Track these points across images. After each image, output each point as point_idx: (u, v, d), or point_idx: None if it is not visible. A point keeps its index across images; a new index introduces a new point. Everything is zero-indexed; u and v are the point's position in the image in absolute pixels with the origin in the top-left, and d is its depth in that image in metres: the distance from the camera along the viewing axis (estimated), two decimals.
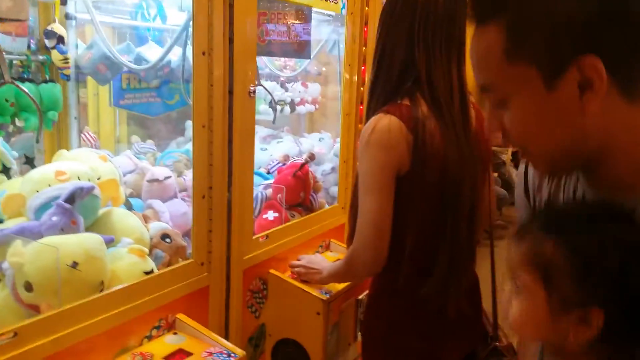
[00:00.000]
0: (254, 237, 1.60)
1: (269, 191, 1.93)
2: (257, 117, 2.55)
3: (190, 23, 1.38)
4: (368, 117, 1.24)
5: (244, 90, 1.45)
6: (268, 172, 2.20)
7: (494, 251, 1.46)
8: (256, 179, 2.14)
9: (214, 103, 1.37)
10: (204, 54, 1.34)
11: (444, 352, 1.32)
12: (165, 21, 1.98)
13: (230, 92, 1.42)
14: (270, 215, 1.80)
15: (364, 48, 2.07)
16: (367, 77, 1.28)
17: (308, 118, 3.00)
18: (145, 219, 1.57)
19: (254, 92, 1.49)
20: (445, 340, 1.31)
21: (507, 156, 5.33)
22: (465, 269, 1.28)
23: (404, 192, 1.19)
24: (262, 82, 2.43)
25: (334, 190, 2.28)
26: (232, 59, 1.40)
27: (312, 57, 2.24)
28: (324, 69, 2.86)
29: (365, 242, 1.21)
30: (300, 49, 1.98)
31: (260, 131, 2.68)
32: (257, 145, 2.48)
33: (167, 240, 1.49)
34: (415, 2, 1.20)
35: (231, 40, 1.39)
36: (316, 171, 2.34)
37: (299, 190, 1.90)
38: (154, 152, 2.25)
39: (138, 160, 1.98)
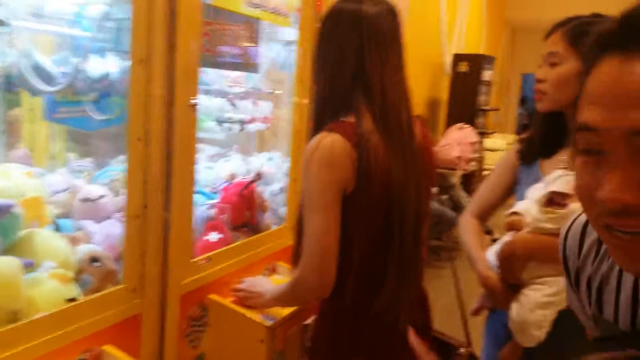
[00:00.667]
0: (193, 260, 1.50)
1: (213, 211, 1.83)
2: (203, 135, 2.47)
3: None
4: (316, 133, 1.20)
5: (185, 102, 1.36)
6: (213, 192, 2.10)
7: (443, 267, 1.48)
8: (200, 198, 2.04)
9: (152, 114, 1.27)
10: (141, 61, 1.25)
11: None
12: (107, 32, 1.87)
13: (171, 104, 1.33)
14: (213, 236, 1.70)
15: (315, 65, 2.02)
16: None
17: (258, 137, 2.92)
18: (74, 241, 1.45)
19: (196, 104, 1.41)
20: (397, 357, 1.26)
21: (457, 179, 5.41)
22: (414, 281, 1.27)
23: (350, 210, 1.16)
24: (211, 98, 2.35)
25: (283, 211, 2.20)
26: (174, 69, 1.32)
27: (260, 72, 2.18)
28: (274, 90, 2.81)
29: (312, 265, 1.16)
30: (249, 64, 1.92)
31: (207, 150, 2.59)
32: (204, 164, 2.39)
33: (96, 263, 1.37)
34: (359, 17, 1.20)
35: (172, 48, 1.31)
36: (265, 191, 2.26)
37: (244, 210, 1.82)
38: (92, 170, 2.12)
39: (72, 178, 1.85)
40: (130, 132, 1.25)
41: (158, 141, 1.30)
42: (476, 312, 1.44)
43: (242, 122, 2.55)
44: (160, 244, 1.36)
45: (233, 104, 2.51)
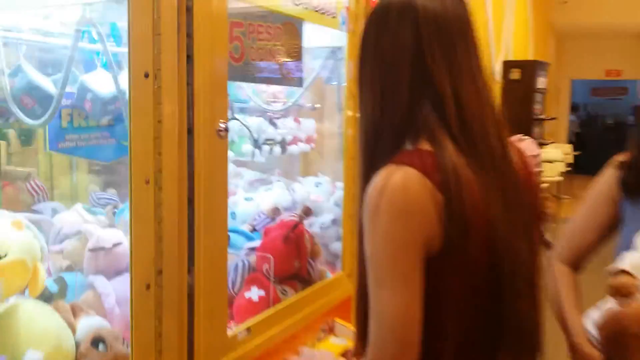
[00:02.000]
0: (229, 334, 1.14)
1: (253, 258, 1.48)
2: (241, 159, 2.16)
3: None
4: (372, 169, 0.85)
5: (210, 129, 1.02)
6: (253, 230, 1.75)
7: None
8: (237, 239, 1.70)
9: (162, 147, 0.93)
10: (147, 76, 0.91)
11: None
12: (121, 43, 1.58)
13: (190, 132, 0.98)
14: (254, 293, 1.34)
15: None
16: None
17: (302, 159, 2.60)
18: (74, 312, 1.12)
19: (226, 130, 1.06)
20: None
21: None
22: None
23: (439, 276, 0.83)
24: (246, 117, 2.03)
25: (335, 247, 1.85)
26: (192, 84, 0.98)
27: (304, 86, 1.85)
28: (318, 105, 2.48)
29: (383, 358, 0.82)
30: (290, 77, 1.57)
31: (246, 175, 2.28)
32: (241, 194, 2.07)
33: (100, 347, 1.03)
34: (412, 9, 0.90)
35: (190, 58, 0.97)
36: (313, 224, 1.90)
37: (292, 259, 1.46)
38: (116, 203, 1.82)
39: (90, 217, 1.55)
40: (135, 173, 0.90)
41: (173, 183, 0.94)
42: None
43: (283, 143, 2.23)
44: (183, 320, 1.01)
45: (273, 123, 2.19)
